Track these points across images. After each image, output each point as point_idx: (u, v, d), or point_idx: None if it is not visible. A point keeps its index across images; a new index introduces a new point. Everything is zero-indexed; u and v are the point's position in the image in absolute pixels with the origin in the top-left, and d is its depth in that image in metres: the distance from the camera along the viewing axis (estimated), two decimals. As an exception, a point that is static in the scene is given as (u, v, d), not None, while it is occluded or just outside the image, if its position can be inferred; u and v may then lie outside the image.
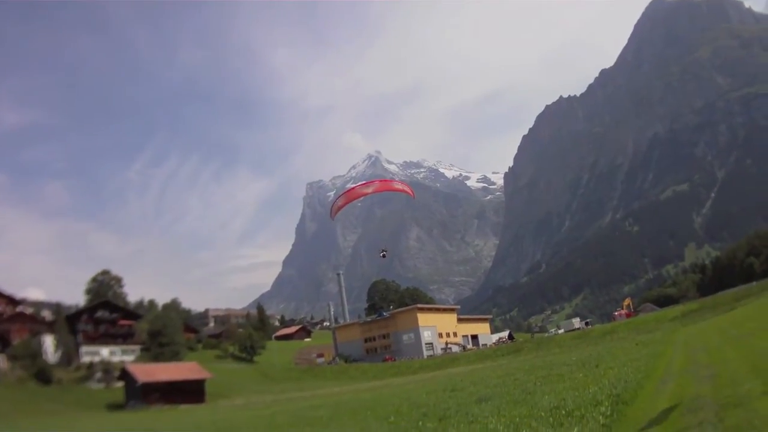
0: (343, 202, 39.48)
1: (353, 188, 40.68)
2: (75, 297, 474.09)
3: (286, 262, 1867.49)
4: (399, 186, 43.22)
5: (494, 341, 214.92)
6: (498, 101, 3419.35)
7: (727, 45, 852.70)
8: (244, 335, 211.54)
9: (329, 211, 42.25)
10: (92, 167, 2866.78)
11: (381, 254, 55.31)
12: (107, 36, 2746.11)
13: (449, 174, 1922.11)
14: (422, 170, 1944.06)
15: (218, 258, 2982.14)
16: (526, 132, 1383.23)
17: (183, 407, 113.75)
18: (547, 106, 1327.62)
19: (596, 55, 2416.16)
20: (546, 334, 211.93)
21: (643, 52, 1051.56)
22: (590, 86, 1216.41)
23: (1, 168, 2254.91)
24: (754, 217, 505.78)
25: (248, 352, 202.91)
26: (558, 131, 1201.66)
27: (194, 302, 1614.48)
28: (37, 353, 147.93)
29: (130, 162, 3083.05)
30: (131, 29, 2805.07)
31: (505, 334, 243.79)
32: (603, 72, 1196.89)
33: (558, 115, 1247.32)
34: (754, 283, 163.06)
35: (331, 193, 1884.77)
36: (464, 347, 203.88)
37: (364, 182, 41.73)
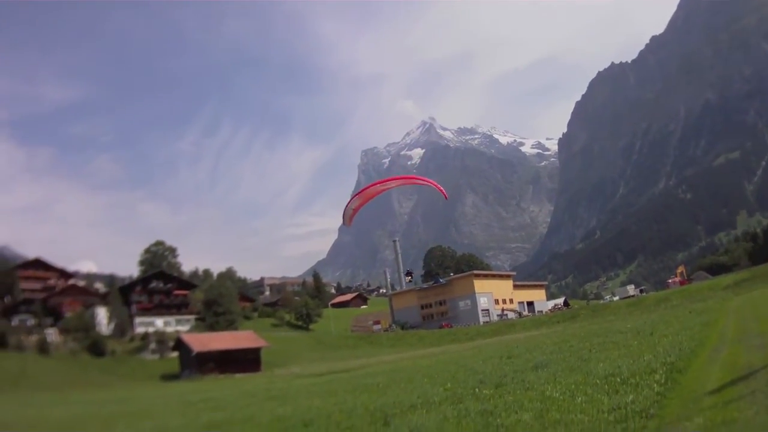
0: (358, 204, 38.53)
1: (368, 187, 39.66)
2: (128, 269, 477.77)
3: (342, 230, 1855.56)
4: (421, 182, 42.28)
5: (550, 308, 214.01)
6: (550, 67, 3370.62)
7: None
8: (300, 303, 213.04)
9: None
10: (142, 139, 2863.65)
11: (406, 277, 54.96)
12: (151, 8, 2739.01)
13: (503, 140, 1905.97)
14: (477, 136, 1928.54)
15: (273, 226, 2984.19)
16: (578, 98, 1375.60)
17: (238, 376, 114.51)
18: (599, 73, 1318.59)
19: (647, 20, 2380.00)
20: (601, 301, 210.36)
21: (692, 19, 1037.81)
22: (641, 52, 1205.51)
23: (49, 142, 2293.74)
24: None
25: (304, 320, 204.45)
26: (610, 97, 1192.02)
27: (250, 271, 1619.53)
28: (90, 325, 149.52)
29: (181, 133, 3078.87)
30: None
31: (560, 300, 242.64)
32: (654, 38, 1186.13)
33: (610, 81, 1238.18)
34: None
35: (386, 160, 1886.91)
36: (520, 314, 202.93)
37: (381, 180, 40.70)
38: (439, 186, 39.90)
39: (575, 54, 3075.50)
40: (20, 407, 62.92)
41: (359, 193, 37.52)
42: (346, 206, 42.45)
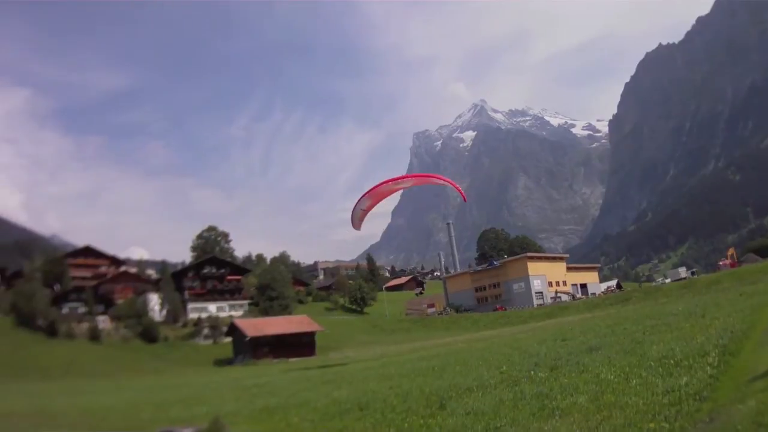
0: (369, 205, 37.99)
1: (379, 185, 39.01)
2: (181, 255, 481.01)
3: (395, 213, 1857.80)
4: (439, 181, 41.81)
5: (603, 290, 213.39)
6: (599, 48, 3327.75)
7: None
8: (354, 287, 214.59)
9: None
10: (193, 125, 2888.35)
11: (417, 288, 54.57)
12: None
13: (554, 122, 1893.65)
14: (528, 118, 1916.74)
15: (326, 210, 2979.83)
16: (627, 79, 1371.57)
17: (293, 360, 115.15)
18: (647, 54, 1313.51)
19: (693, 1, 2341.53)
20: (653, 284, 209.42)
21: None
22: (688, 33, 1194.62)
23: (99, 129, 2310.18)
24: None
25: (358, 303, 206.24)
26: (659, 78, 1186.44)
27: (303, 255, 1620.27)
28: (142, 312, 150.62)
29: (233, 118, 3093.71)
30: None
31: (613, 283, 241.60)
32: (700, 19, 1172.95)
33: (658, 63, 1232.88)
34: None
35: (438, 143, 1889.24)
36: (574, 296, 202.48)
37: (393, 178, 40.15)
38: (457, 185, 39.64)
39: (623, 35, 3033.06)
40: (72, 395, 63.53)
41: (369, 192, 36.84)
42: (355, 207, 41.48)
